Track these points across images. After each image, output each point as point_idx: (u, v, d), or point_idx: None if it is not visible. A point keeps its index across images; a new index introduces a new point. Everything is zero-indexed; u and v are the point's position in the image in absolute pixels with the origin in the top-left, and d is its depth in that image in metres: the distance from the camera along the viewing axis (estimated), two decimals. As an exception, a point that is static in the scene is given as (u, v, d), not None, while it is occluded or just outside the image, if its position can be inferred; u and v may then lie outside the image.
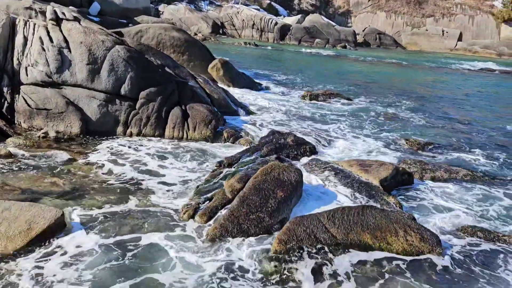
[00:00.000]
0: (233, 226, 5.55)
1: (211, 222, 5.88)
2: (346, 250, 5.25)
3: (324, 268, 5.01)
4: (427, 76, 28.31)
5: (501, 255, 5.56)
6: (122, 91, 9.60)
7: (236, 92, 15.03)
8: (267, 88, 17.57)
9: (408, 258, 5.21)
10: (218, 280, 4.68)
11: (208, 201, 6.36)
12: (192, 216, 6.03)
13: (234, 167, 7.75)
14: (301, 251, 5.16)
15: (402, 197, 7.36)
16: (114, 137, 9.37)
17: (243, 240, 5.46)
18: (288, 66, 27.12)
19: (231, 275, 4.81)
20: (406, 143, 10.54)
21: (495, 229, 6.40)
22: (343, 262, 5.11)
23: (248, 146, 9.17)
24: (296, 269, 4.96)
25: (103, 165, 7.76)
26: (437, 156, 10.03)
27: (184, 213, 6.11)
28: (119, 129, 9.51)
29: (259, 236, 5.57)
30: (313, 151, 9.23)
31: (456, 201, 7.34)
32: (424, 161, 9.09)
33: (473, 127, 13.59)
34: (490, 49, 54.74)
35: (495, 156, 10.32)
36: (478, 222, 6.62)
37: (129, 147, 8.79)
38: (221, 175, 7.37)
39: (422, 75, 28.92)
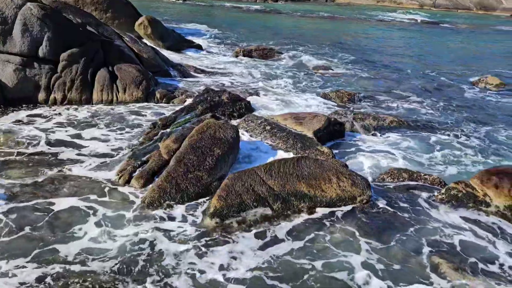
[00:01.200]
0: (171, 186, 5.50)
1: (149, 185, 5.77)
2: (285, 201, 5.43)
3: (264, 221, 5.17)
4: (357, 28, 29.02)
5: (423, 193, 6.05)
6: (40, 53, 8.85)
7: (167, 51, 14.47)
8: (198, 45, 17.08)
9: (343, 207, 5.49)
10: (156, 242, 4.67)
11: (144, 164, 6.21)
12: (128, 181, 5.88)
13: (169, 128, 7.58)
14: (241, 205, 5.26)
15: (335, 146, 7.69)
16: (38, 105, 8.71)
17: (182, 199, 5.45)
18: (219, 22, 26.43)
19: (171, 234, 4.82)
20: (337, 95, 10.88)
21: (419, 169, 6.92)
22: (282, 214, 5.30)
23: (182, 106, 8.97)
24: (238, 222, 5.07)
25: (26, 135, 7.23)
26: (367, 105, 10.50)
27: (119, 178, 5.93)
28: (41, 95, 8.84)
29: (198, 194, 5.58)
30: (248, 107, 9.25)
31: (384, 146, 7.81)
32: (354, 111, 9.49)
33: (401, 76, 14.28)
34: (413, 0, 56.94)
35: (420, 103, 11.01)
36: (404, 164, 7.12)
37: (50, 114, 8.24)
38: (156, 137, 7.20)
39: (352, 28, 29.57)
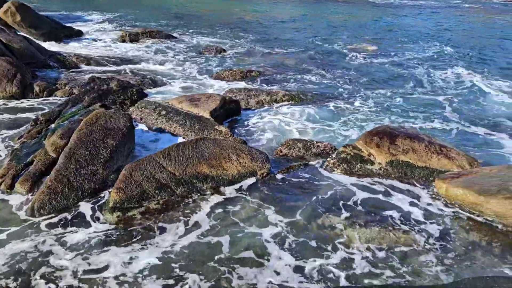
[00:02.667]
0: (63, 186, 5.10)
1: (37, 188, 5.28)
2: (188, 185, 5.38)
3: (169, 207, 5.08)
4: (247, 7, 29.32)
5: (318, 160, 6.45)
6: None
7: (43, 40, 13.18)
8: (79, 32, 15.83)
9: (245, 182, 5.62)
10: (51, 252, 4.33)
11: (29, 166, 5.65)
12: (11, 186, 5.31)
13: (54, 123, 6.97)
14: (143, 195, 5.10)
15: (232, 124, 7.80)
16: None
17: (78, 198, 5.10)
18: (102, 4, 24.72)
19: (67, 240, 4.50)
20: (231, 73, 10.97)
21: (312, 138, 7.34)
22: (187, 198, 5.26)
23: (67, 98, 8.29)
24: (141, 213, 4.92)
25: None
26: (259, 81, 10.77)
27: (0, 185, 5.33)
28: None
29: (95, 190, 5.27)
30: (141, 93, 8.90)
31: (279, 119, 8.12)
32: (248, 88, 9.68)
33: (292, 50, 14.85)
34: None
35: (309, 73, 11.61)
36: (299, 135, 7.50)
37: None
38: (40, 135, 6.59)
39: (243, 7, 29.80)
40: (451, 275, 4.05)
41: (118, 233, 4.60)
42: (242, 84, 10.36)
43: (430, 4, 36.47)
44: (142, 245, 4.41)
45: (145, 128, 7.24)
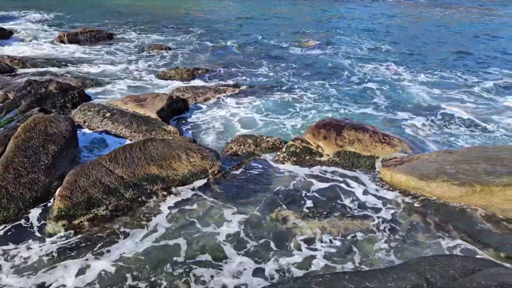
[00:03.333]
0: (1, 197, 4.79)
1: (-29, 200, 4.93)
2: (137, 188, 5.24)
3: (118, 212, 4.92)
4: (191, 2, 28.93)
5: (268, 155, 6.53)
6: None
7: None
8: (11, 32, 14.91)
9: (197, 181, 5.56)
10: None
11: (-40, 178, 5.25)
12: None
13: (-13, 131, 6.52)
14: (90, 201, 4.90)
15: (181, 123, 7.69)
16: None
17: (18, 209, 4.82)
18: (35, 3, 23.41)
19: (8, 257, 4.24)
20: (177, 72, 10.80)
21: (260, 131, 7.40)
22: (137, 201, 5.12)
23: (1, 104, 7.78)
24: (89, 220, 4.73)
25: None
26: (206, 78, 10.69)
27: None
28: None
29: (37, 199, 5.00)
30: (83, 95, 8.53)
31: (228, 116, 8.11)
32: (195, 86, 9.58)
33: (238, 45, 14.83)
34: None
35: (256, 67, 11.67)
36: (247, 130, 7.53)
37: None
38: (-28, 144, 6.14)
39: (186, 2, 29.36)
40: (400, 256, 4.25)
41: (65, 243, 4.40)
42: (189, 82, 10.23)
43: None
44: (93, 254, 4.25)
45: (89, 132, 6.97)
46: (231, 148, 6.74)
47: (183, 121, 7.82)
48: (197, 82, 10.28)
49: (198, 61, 12.52)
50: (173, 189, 5.42)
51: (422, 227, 4.74)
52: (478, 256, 4.22)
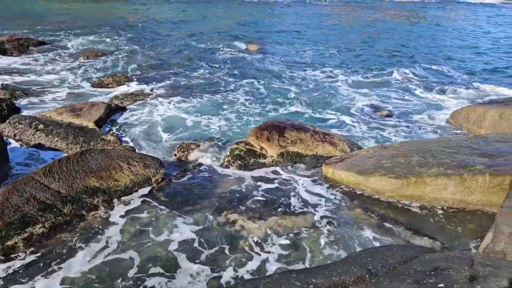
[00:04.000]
0: None
1: None
2: (76, 202, 5.00)
3: (57, 229, 4.67)
4: (122, 7, 28.10)
5: (212, 159, 6.49)
6: None
7: None
8: None
9: (140, 191, 5.41)
10: None
11: None
12: None
13: None
14: (24, 220, 4.61)
15: (120, 130, 7.45)
16: None
17: None
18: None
19: None
20: (114, 79, 10.46)
21: (200, 133, 7.34)
22: (77, 216, 4.89)
23: None
24: (24, 240, 4.44)
25: None
26: (144, 83, 10.43)
27: None
28: None
29: (-37, 221, 4.62)
30: (12, 107, 8.02)
31: (168, 120, 7.96)
32: (135, 92, 9.33)
33: (173, 49, 14.62)
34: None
35: (191, 70, 11.57)
36: (189, 133, 7.44)
37: None
38: None
39: (118, 8, 28.47)
40: (344, 250, 4.40)
41: (-3, 266, 4.10)
42: (127, 89, 9.94)
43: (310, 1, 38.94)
44: (30, 279, 3.98)
45: (21, 146, 6.56)
46: (175, 155, 6.63)
47: (122, 129, 7.58)
48: (134, 87, 10.00)
49: (134, 66, 12.19)
50: (116, 201, 5.24)
51: (364, 220, 4.95)
52: (415, 244, 4.47)
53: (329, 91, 10.49)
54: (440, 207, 5.09)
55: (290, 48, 16.26)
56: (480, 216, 4.92)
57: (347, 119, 8.59)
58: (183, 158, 6.53)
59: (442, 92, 10.72)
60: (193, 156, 6.58)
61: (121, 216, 4.96)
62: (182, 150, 6.69)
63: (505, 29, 24.61)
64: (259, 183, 5.82)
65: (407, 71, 12.82)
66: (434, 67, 13.54)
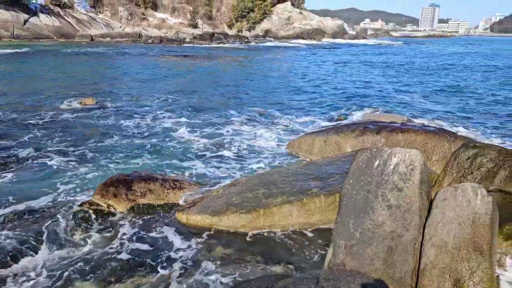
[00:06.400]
0: None
1: None
2: None
3: None
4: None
5: (57, 227, 5.81)
6: None
7: None
8: None
9: None
10: None
11: None
12: None
13: None
14: None
15: None
16: None
17: None
18: None
19: None
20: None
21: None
22: None
23: None
24: None
25: None
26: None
27: None
28: None
29: None
30: None
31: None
32: None
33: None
34: None
35: (14, 140, 10.39)
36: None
37: None
38: None
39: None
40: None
41: None
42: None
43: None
44: None
45: None
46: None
47: None
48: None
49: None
50: None
51: (223, 258, 5.00)
52: (273, 273, 4.69)
53: (176, 139, 10.54)
54: (290, 232, 5.49)
55: (133, 98, 16.00)
56: (326, 234, 5.46)
57: (198, 163, 8.70)
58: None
59: (276, 125, 11.83)
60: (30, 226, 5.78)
61: None
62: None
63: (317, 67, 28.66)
64: (110, 245, 5.40)
65: (241, 109, 13.78)
66: (262, 110, 14.79)
